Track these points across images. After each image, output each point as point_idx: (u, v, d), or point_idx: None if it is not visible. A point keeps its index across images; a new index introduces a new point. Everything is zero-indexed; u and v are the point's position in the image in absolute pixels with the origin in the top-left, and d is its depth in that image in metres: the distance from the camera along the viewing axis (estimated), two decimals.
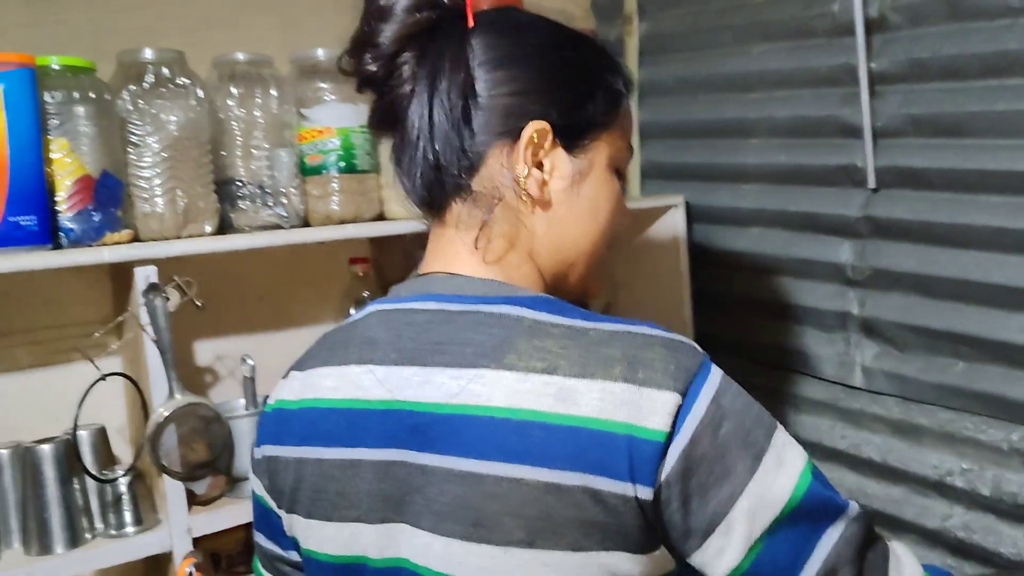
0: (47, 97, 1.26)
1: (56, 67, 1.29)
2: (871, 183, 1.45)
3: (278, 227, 1.44)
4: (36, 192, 1.21)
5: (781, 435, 0.75)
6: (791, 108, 1.58)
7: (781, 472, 0.72)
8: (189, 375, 1.53)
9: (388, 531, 0.77)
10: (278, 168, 1.47)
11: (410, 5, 0.80)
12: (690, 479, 0.70)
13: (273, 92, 1.47)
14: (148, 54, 1.37)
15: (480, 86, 0.80)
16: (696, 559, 0.73)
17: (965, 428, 1.38)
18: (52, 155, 1.27)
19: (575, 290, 0.88)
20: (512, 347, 0.74)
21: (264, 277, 1.61)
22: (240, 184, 1.45)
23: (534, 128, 0.80)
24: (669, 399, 0.70)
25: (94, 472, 1.28)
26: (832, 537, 0.73)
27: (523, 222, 0.82)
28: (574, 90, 0.83)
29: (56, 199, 1.27)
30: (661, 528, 0.72)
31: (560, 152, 0.82)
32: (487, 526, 0.72)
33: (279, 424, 0.84)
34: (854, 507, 0.76)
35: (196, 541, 1.30)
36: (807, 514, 0.72)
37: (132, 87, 1.36)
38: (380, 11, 0.80)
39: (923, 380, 1.43)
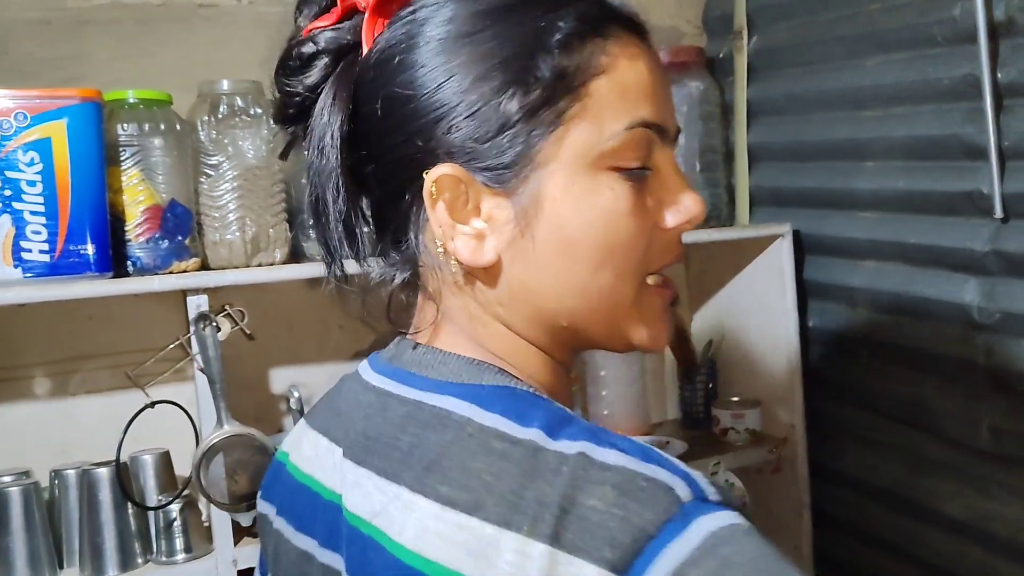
0: (120, 129, 1.30)
1: (131, 100, 1.33)
2: (998, 212, 1.25)
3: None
4: (97, 222, 1.24)
5: None
6: (909, 127, 1.39)
7: None
8: (262, 405, 1.53)
9: None
10: None
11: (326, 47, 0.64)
12: None
13: None
14: (225, 85, 1.39)
15: (373, 137, 0.62)
16: None
17: None
18: (124, 185, 1.31)
19: (613, 347, 0.65)
20: (439, 464, 0.56)
21: (338, 306, 1.59)
22: None
23: (432, 178, 0.59)
24: None
25: (154, 496, 1.30)
26: None
27: (483, 298, 0.63)
28: (469, 105, 0.59)
29: (124, 228, 1.30)
30: None
31: (487, 194, 0.60)
32: None
33: (275, 479, 0.75)
34: None
35: (242, 573, 1.28)
36: None
37: (207, 117, 1.38)
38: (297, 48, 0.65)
39: None
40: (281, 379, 1.56)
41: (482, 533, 0.52)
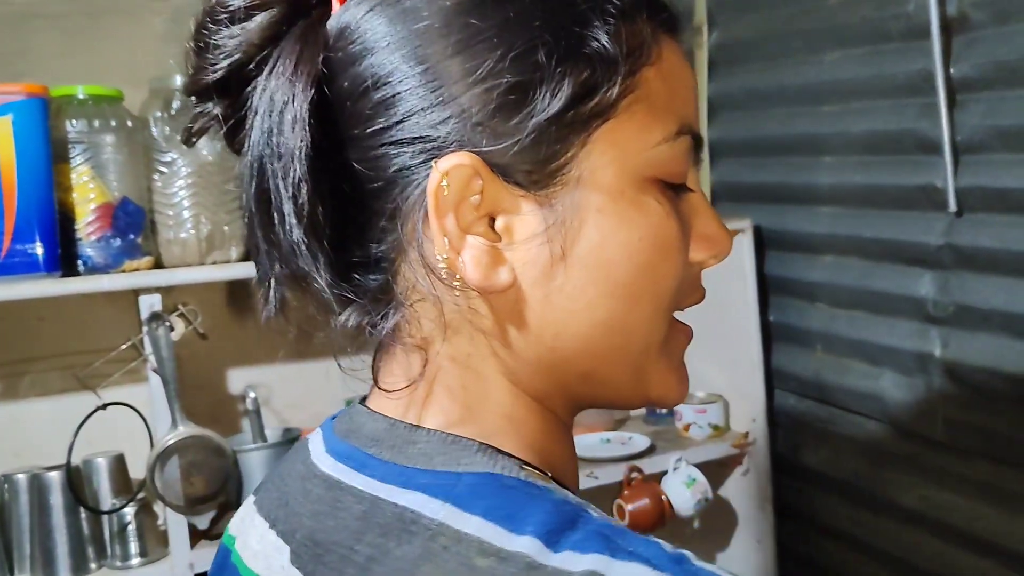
0: (69, 125, 1.27)
1: (80, 96, 1.30)
2: (952, 206, 1.25)
3: None
4: (44, 221, 1.22)
5: None
6: (867, 121, 1.39)
7: None
8: (220, 405, 1.51)
9: None
10: None
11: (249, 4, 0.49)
12: None
13: None
14: (178, 81, 1.36)
15: (349, 112, 0.48)
16: None
17: None
18: (74, 183, 1.28)
19: (629, 398, 0.54)
20: None
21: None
22: None
23: (442, 169, 0.45)
24: None
25: (108, 499, 1.28)
26: None
27: (480, 339, 0.49)
28: (514, 74, 0.45)
29: (76, 227, 1.28)
30: None
31: (515, 196, 0.47)
32: None
33: (220, 569, 0.58)
34: None
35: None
36: None
37: (159, 113, 1.35)
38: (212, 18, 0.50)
39: (1016, 439, 1.21)
40: (236, 379, 1.54)
41: None
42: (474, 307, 0.48)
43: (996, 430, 1.24)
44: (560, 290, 0.47)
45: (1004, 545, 1.23)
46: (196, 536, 1.28)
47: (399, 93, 0.46)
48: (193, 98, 0.53)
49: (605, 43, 0.46)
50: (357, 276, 0.50)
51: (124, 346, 1.25)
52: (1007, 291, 1.21)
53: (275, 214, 0.47)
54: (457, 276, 0.46)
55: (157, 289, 1.24)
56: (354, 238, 0.50)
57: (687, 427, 1.63)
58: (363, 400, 0.55)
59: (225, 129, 0.53)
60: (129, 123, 1.32)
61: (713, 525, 1.65)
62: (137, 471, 1.39)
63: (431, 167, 0.45)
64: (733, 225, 1.59)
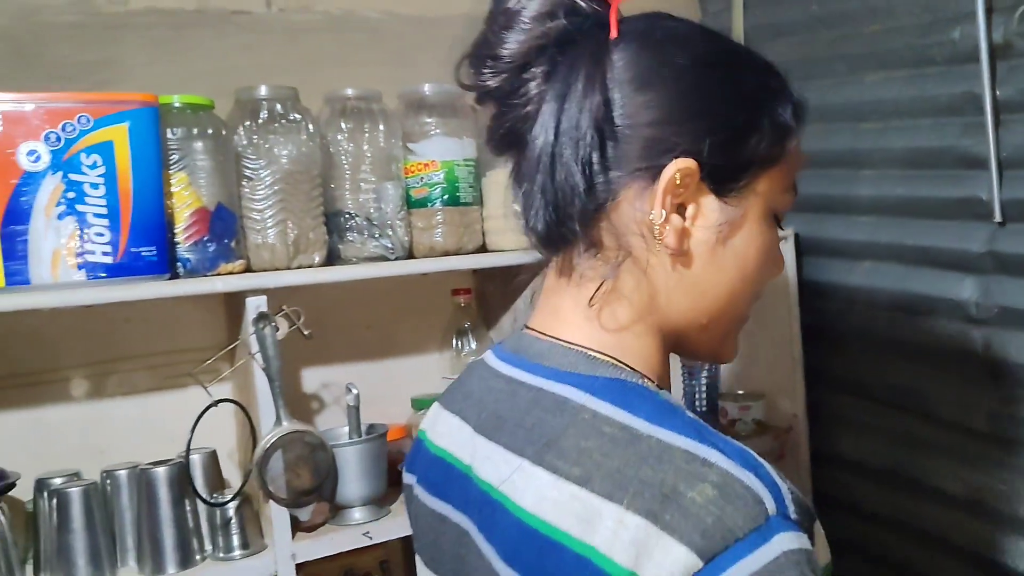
0: (168, 133, 1.32)
1: (177, 105, 1.34)
2: (997, 216, 1.38)
3: (384, 258, 1.47)
4: (157, 224, 1.26)
5: None
6: (908, 139, 1.51)
7: None
8: (296, 402, 1.56)
9: None
10: (385, 200, 1.49)
11: (541, 12, 0.67)
12: None
13: (381, 126, 1.50)
14: (263, 91, 1.42)
15: (617, 112, 0.67)
16: None
17: None
18: (172, 189, 1.32)
19: (704, 353, 0.77)
20: (557, 443, 0.64)
21: (371, 307, 1.64)
22: (348, 216, 1.48)
23: (678, 167, 0.66)
24: (683, 558, 0.55)
25: (205, 494, 1.32)
26: None
27: (652, 280, 0.69)
28: (732, 120, 0.68)
29: (175, 231, 1.32)
30: None
31: (708, 197, 0.68)
32: None
33: (416, 453, 0.84)
34: None
35: (299, 568, 1.32)
36: None
37: (247, 122, 1.41)
38: (506, 16, 0.68)
39: None
40: (311, 379, 1.59)
41: (589, 503, 0.60)
42: (654, 263, 0.69)
43: None
44: (713, 268, 0.70)
45: None
46: (295, 528, 1.33)
47: (661, 107, 0.67)
48: (475, 100, 0.73)
49: (788, 119, 0.71)
50: (591, 225, 0.70)
51: (232, 345, 1.30)
52: None
53: (559, 178, 0.67)
54: (658, 237, 0.67)
55: (263, 291, 1.29)
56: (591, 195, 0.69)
57: (732, 423, 1.73)
58: (525, 328, 0.76)
59: (496, 129, 0.72)
60: (223, 131, 1.37)
61: None
62: (226, 467, 1.44)
63: (669, 159, 0.66)
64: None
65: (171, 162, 1.33)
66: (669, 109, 0.67)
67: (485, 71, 0.69)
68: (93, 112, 1.22)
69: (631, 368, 0.69)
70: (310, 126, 1.45)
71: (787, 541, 0.56)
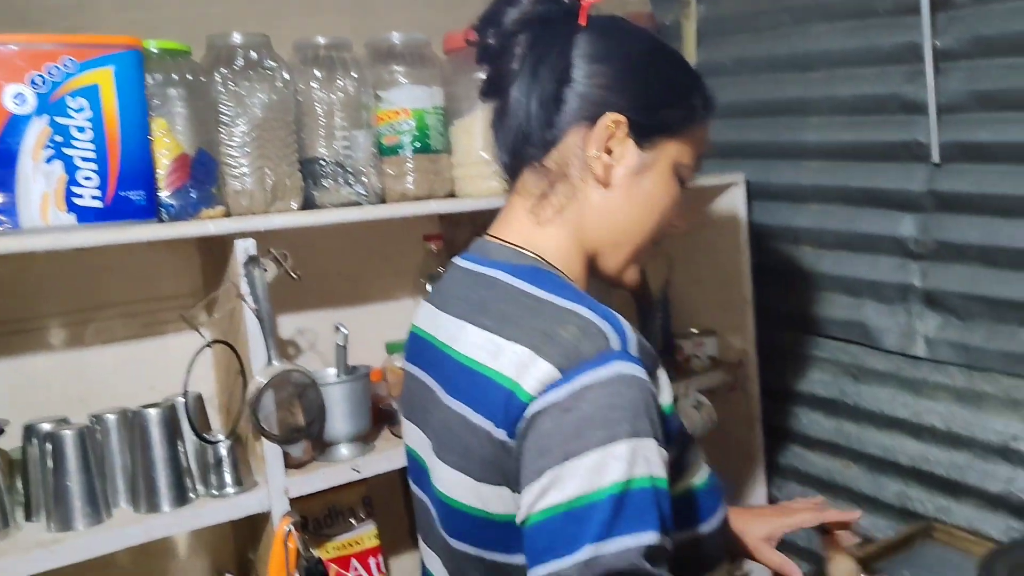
0: (148, 79, 1.32)
1: (155, 51, 1.34)
2: (935, 158, 1.49)
3: (358, 204, 1.50)
4: (144, 168, 1.27)
5: (623, 448, 0.76)
6: (853, 87, 1.62)
7: (591, 473, 0.76)
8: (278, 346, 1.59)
9: (420, 433, 0.98)
10: (357, 148, 1.52)
11: None
12: (524, 441, 0.80)
13: (353, 74, 1.53)
14: (237, 38, 1.42)
15: (576, 74, 0.92)
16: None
17: None
18: (152, 135, 1.33)
19: (613, 274, 0.99)
20: (486, 308, 0.90)
21: (344, 254, 1.67)
22: (322, 163, 1.50)
23: (612, 118, 0.91)
24: (548, 371, 0.79)
25: (191, 436, 1.35)
26: (582, 555, 0.75)
27: (579, 198, 0.94)
28: (655, 94, 0.94)
29: (156, 177, 1.33)
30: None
31: (630, 144, 0.93)
32: (442, 444, 0.91)
33: (409, 339, 1.08)
34: (635, 544, 0.75)
35: (294, 502, 1.36)
36: (582, 519, 0.76)
37: (223, 69, 1.41)
38: None
39: (987, 348, 1.47)
40: (287, 324, 1.62)
41: (497, 343, 0.85)
42: (583, 188, 0.93)
43: (970, 344, 1.50)
44: (627, 198, 0.94)
45: (977, 438, 1.49)
46: (288, 464, 1.37)
47: (607, 77, 0.93)
48: (476, 59, 0.99)
49: (696, 103, 0.97)
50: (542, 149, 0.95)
51: (224, 288, 1.32)
52: (981, 228, 1.46)
53: (529, 118, 0.93)
54: (591, 168, 0.93)
55: (252, 234, 1.31)
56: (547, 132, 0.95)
57: (687, 359, 1.83)
58: (484, 235, 1.00)
59: (488, 84, 0.99)
60: (202, 78, 1.38)
61: (709, 444, 1.85)
62: (212, 409, 1.46)
63: (606, 113, 0.92)
64: (725, 179, 1.80)
65: (150, 108, 1.33)
66: (612, 78, 0.92)
67: (488, 33, 0.95)
68: (78, 55, 1.21)
69: (547, 262, 0.94)
70: (284, 73, 1.46)
71: (622, 367, 0.80)
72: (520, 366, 0.81)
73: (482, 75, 1.00)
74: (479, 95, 1.01)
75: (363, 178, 1.52)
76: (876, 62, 1.57)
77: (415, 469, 1.03)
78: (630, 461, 0.77)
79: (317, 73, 1.51)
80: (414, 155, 1.56)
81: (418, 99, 1.57)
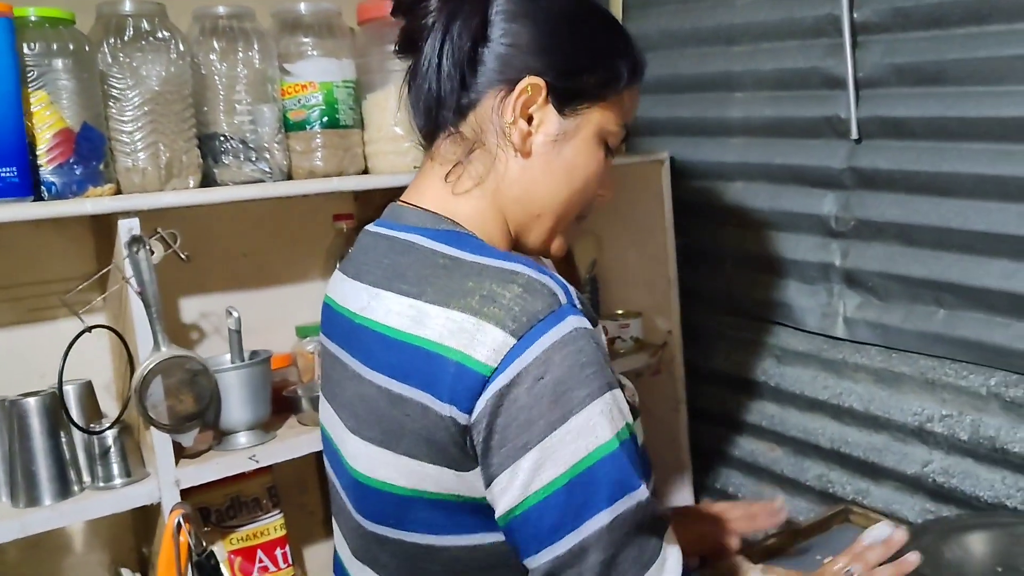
0: (25, 49, 1.25)
1: (34, 18, 1.27)
2: (854, 134, 1.46)
3: (261, 182, 1.43)
4: (16, 144, 1.20)
5: (602, 404, 0.75)
6: (776, 60, 1.58)
7: (581, 437, 0.74)
8: (175, 332, 1.52)
9: (331, 410, 0.94)
10: (261, 123, 1.46)
11: None
12: (496, 418, 0.74)
13: (256, 46, 1.46)
14: (128, 6, 1.35)
15: (493, 32, 0.87)
16: (487, 492, 0.77)
17: (945, 375, 1.40)
18: (32, 108, 1.25)
19: (537, 246, 0.94)
20: (403, 273, 0.85)
21: (249, 234, 1.61)
22: (223, 139, 1.44)
23: (529, 81, 0.86)
24: (502, 338, 0.74)
25: (82, 425, 1.29)
26: (601, 521, 0.74)
27: (497, 167, 0.88)
28: (577, 58, 0.88)
29: (36, 153, 1.26)
30: (473, 453, 0.77)
31: (550, 110, 0.87)
32: (360, 421, 0.85)
33: (323, 310, 1.02)
34: (641, 496, 0.76)
35: (184, 495, 1.30)
36: (587, 485, 0.74)
37: (112, 40, 1.34)
38: None
39: (905, 328, 1.45)
40: (189, 308, 1.56)
41: (421, 308, 0.80)
42: (501, 156, 0.88)
43: (888, 324, 1.47)
44: (547, 167, 0.88)
45: (894, 419, 1.47)
46: (179, 454, 1.32)
47: (526, 37, 0.87)
48: (397, 16, 0.92)
49: (622, 67, 0.90)
50: (459, 117, 0.89)
51: (105, 270, 1.25)
52: (900, 206, 1.42)
53: (441, 78, 0.87)
54: (508, 136, 0.87)
55: (137, 213, 1.25)
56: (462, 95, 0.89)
57: (612, 341, 1.79)
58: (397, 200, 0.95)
59: (402, 33, 0.92)
60: (86, 48, 1.31)
61: None
62: (103, 400, 1.40)
63: (524, 77, 0.86)
64: (651, 157, 1.75)
65: (29, 79, 1.26)
66: (531, 39, 0.86)
67: None
68: None
69: (466, 228, 0.88)
70: (180, 45, 1.39)
71: (576, 321, 0.76)
72: (464, 334, 0.75)
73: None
74: (394, 50, 0.94)
75: (266, 154, 1.45)
76: (798, 35, 1.53)
77: (328, 449, 0.98)
78: (612, 415, 0.75)
79: (216, 44, 1.44)
80: (322, 130, 1.50)
81: (326, 72, 1.51)
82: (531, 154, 0.88)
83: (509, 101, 0.86)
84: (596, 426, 0.74)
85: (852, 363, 1.53)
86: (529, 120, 0.87)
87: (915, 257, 1.42)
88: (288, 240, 1.64)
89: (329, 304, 0.99)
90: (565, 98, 0.87)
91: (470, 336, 0.75)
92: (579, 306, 0.79)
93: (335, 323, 0.96)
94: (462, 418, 0.75)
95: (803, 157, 1.55)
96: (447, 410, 0.76)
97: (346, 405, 0.89)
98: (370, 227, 0.97)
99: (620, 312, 1.82)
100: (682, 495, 1.83)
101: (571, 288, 0.80)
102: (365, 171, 1.55)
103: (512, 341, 0.74)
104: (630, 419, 0.79)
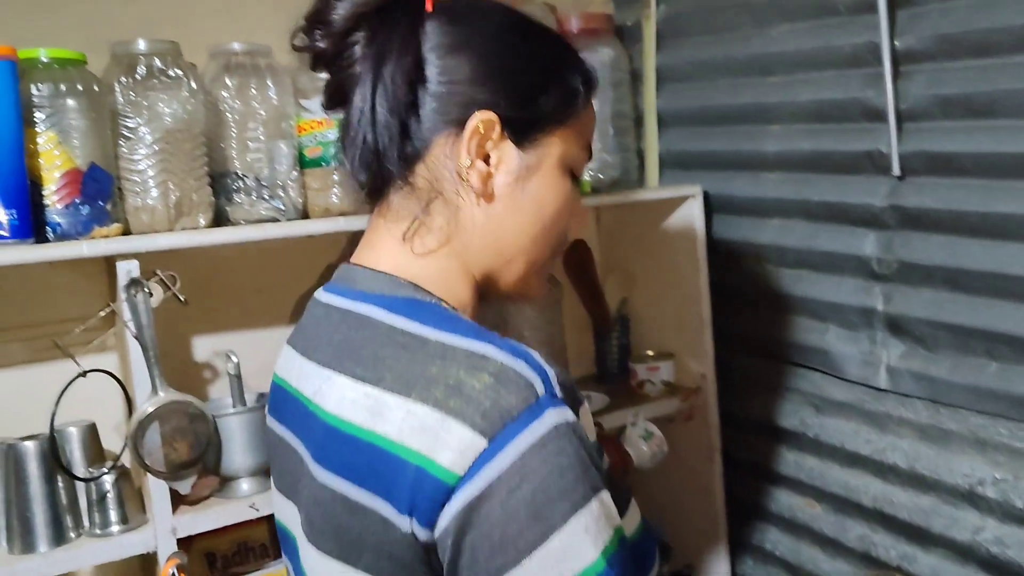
0: (34, 90, 1.24)
1: (44, 59, 1.26)
2: (896, 170, 1.35)
3: (274, 220, 1.40)
4: (16, 186, 1.19)
5: (586, 517, 0.65)
6: (813, 91, 1.48)
7: (565, 560, 0.64)
8: (186, 371, 1.51)
9: (291, 505, 0.83)
10: (277, 160, 1.43)
11: None
12: (466, 535, 0.64)
13: (270, 83, 1.43)
14: (141, 45, 1.34)
15: (429, 71, 0.78)
16: None
17: (999, 434, 1.28)
18: (40, 148, 1.25)
19: (512, 290, 0.85)
20: (357, 353, 0.75)
21: (264, 272, 1.58)
22: (236, 177, 1.42)
23: (480, 118, 0.77)
24: (469, 439, 0.64)
25: (82, 469, 1.27)
26: None
27: (459, 217, 0.80)
28: (526, 82, 0.80)
29: (44, 193, 1.25)
30: (441, 573, 0.67)
31: (508, 145, 0.79)
32: (314, 528, 0.76)
33: (272, 391, 0.92)
34: None
35: (190, 541, 1.27)
36: None
37: (124, 79, 1.33)
38: None
39: (953, 382, 1.33)
40: (202, 347, 1.53)
41: (379, 398, 0.69)
42: (461, 204, 0.79)
43: (936, 376, 1.35)
44: (513, 207, 0.80)
45: (943, 480, 1.35)
46: (177, 502, 1.28)
47: (466, 69, 0.78)
48: (310, 65, 0.84)
49: (576, 85, 0.82)
50: (405, 168, 0.80)
51: (103, 313, 1.23)
52: (948, 248, 1.31)
53: (378, 129, 0.77)
54: (464, 179, 0.78)
55: (135, 255, 1.22)
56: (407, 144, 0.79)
57: (641, 384, 1.71)
58: (347, 262, 0.85)
59: (327, 88, 0.84)
60: (95, 87, 1.30)
61: (665, 476, 1.73)
62: (108, 440, 1.38)
63: (472, 113, 0.77)
64: (682, 192, 1.67)
65: (37, 120, 1.25)
66: (473, 70, 0.78)
67: (316, 35, 0.80)
68: None
69: (428, 292, 0.79)
70: (192, 83, 1.37)
71: (556, 416, 0.66)
72: (426, 433, 0.65)
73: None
74: (322, 106, 0.86)
75: (280, 192, 1.43)
76: (836, 65, 1.44)
77: (287, 545, 0.87)
78: (597, 528, 0.65)
79: (231, 82, 1.42)
80: (339, 167, 1.46)
81: None
82: (494, 197, 0.79)
83: (461, 143, 0.77)
84: (580, 545, 0.64)
85: (896, 417, 1.42)
86: (486, 160, 0.79)
87: (965, 304, 1.30)
88: (305, 277, 1.61)
89: (281, 385, 0.88)
90: (522, 129, 0.79)
91: (433, 435, 0.65)
92: (559, 393, 0.68)
93: (287, 406, 0.85)
94: (423, 533, 0.66)
95: (842, 194, 1.45)
96: (406, 523, 0.66)
97: (303, 504, 0.79)
98: (320, 294, 0.86)
99: (650, 353, 1.73)
100: (716, 551, 1.73)
101: (550, 370, 0.70)
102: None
103: (482, 443, 0.64)
104: (617, 521, 0.68)
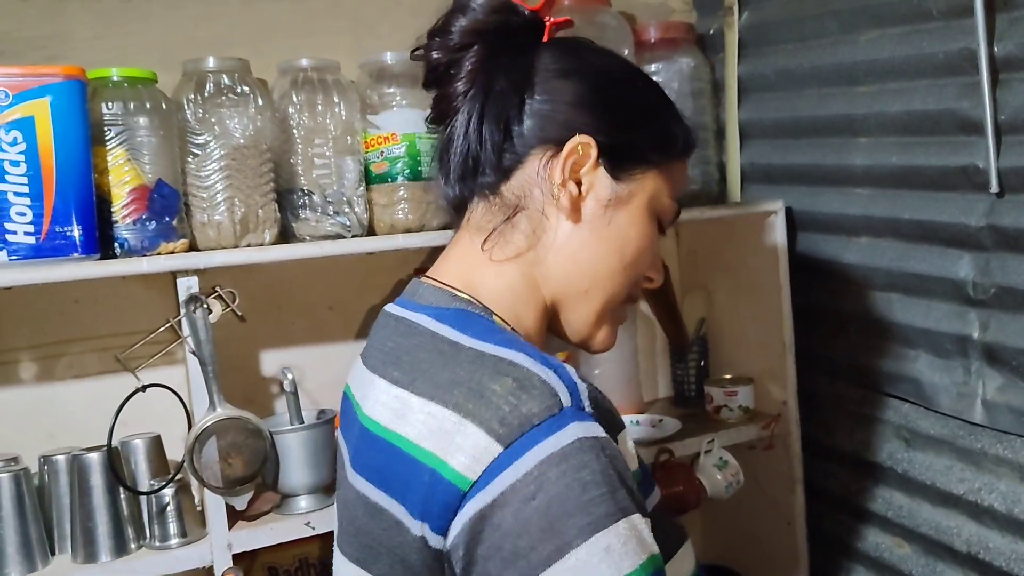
0: (105, 108, 1.27)
1: (116, 78, 1.29)
2: (994, 187, 1.24)
3: (340, 236, 1.40)
4: (84, 203, 1.21)
5: (610, 538, 0.61)
6: (904, 102, 1.38)
7: None
8: (255, 386, 1.52)
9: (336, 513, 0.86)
10: (344, 176, 1.43)
11: (489, 5, 0.80)
12: (477, 545, 0.62)
13: (336, 98, 1.43)
14: (211, 63, 1.36)
15: (537, 90, 0.80)
16: None
17: None
18: (110, 165, 1.28)
19: (580, 332, 0.84)
20: (399, 358, 0.76)
21: (334, 288, 1.58)
22: (302, 193, 1.42)
23: (580, 140, 0.79)
24: (484, 443, 0.63)
25: (146, 480, 1.29)
26: None
27: (541, 233, 0.80)
28: (628, 114, 0.82)
29: (111, 209, 1.28)
30: None
31: (602, 172, 0.80)
32: (343, 532, 0.78)
33: (342, 405, 0.93)
34: None
35: (254, 554, 1.27)
36: None
37: (193, 95, 1.35)
38: (460, 4, 0.81)
39: None
40: (271, 361, 1.54)
41: (406, 400, 0.70)
42: (546, 224, 0.80)
43: None
44: (597, 236, 0.80)
45: None
46: (234, 517, 1.29)
47: (574, 95, 0.80)
48: (431, 88, 0.85)
49: (676, 131, 0.84)
50: (498, 179, 0.82)
51: (162, 328, 1.25)
52: None
53: (481, 138, 0.79)
54: (555, 198, 0.79)
55: (196, 271, 1.24)
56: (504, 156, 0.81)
57: (717, 409, 1.63)
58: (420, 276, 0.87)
59: (435, 110, 0.85)
60: (164, 105, 1.32)
61: (744, 507, 1.65)
62: (174, 453, 1.40)
63: (573, 135, 0.79)
64: (765, 207, 1.59)
65: (107, 138, 1.28)
66: (578, 95, 0.80)
67: (433, 45, 0.82)
68: (12, 87, 1.17)
69: (484, 305, 0.79)
70: (259, 99, 1.38)
71: (580, 429, 0.64)
72: (441, 434, 0.64)
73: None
74: (425, 123, 0.90)
75: (347, 208, 1.42)
76: (929, 73, 1.33)
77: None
78: (623, 551, 0.61)
79: (296, 97, 1.42)
80: (405, 182, 1.45)
81: (410, 123, 1.46)
82: (581, 220, 0.80)
83: (558, 161, 0.79)
84: (600, 566, 0.60)
85: (993, 455, 1.30)
86: (578, 184, 0.79)
87: None
88: (371, 292, 1.60)
89: (346, 394, 0.90)
90: (618, 159, 0.80)
91: (448, 438, 0.64)
92: (588, 408, 0.66)
93: (347, 414, 0.87)
94: (434, 540, 0.64)
95: (935, 212, 1.35)
96: (418, 528, 0.65)
97: (338, 510, 0.81)
98: (388, 306, 0.88)
99: (728, 377, 1.65)
100: None
101: (582, 385, 0.68)
102: (447, 224, 1.48)
103: (497, 449, 0.62)
104: (654, 549, 0.63)
